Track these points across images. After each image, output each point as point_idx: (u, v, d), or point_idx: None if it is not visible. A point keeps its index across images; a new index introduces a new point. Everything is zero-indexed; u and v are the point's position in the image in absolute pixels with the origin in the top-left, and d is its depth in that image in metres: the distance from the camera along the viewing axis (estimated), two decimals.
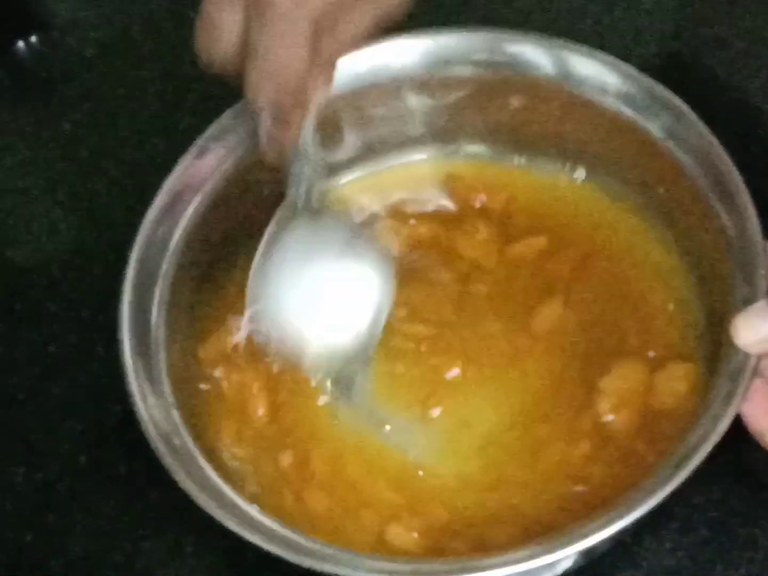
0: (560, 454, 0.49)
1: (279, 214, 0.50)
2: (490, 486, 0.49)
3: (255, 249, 0.55)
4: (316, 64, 0.46)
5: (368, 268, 0.51)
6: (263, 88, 0.46)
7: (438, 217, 0.56)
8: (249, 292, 0.50)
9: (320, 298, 0.50)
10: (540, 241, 0.55)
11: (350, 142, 0.56)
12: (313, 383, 0.51)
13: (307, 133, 0.49)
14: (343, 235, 0.51)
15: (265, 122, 0.47)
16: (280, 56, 0.45)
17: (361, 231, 0.52)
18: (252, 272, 0.50)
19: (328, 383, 0.51)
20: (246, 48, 0.45)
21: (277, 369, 0.52)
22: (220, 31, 0.46)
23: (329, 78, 0.48)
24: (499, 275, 0.54)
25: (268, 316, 0.50)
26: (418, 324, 0.53)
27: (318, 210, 0.50)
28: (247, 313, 0.51)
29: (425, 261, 0.55)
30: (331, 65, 0.48)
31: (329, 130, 0.54)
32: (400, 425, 0.51)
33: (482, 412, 0.51)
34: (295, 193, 0.50)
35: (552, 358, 0.52)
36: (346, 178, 0.58)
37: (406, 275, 0.53)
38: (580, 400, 0.50)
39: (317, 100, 0.48)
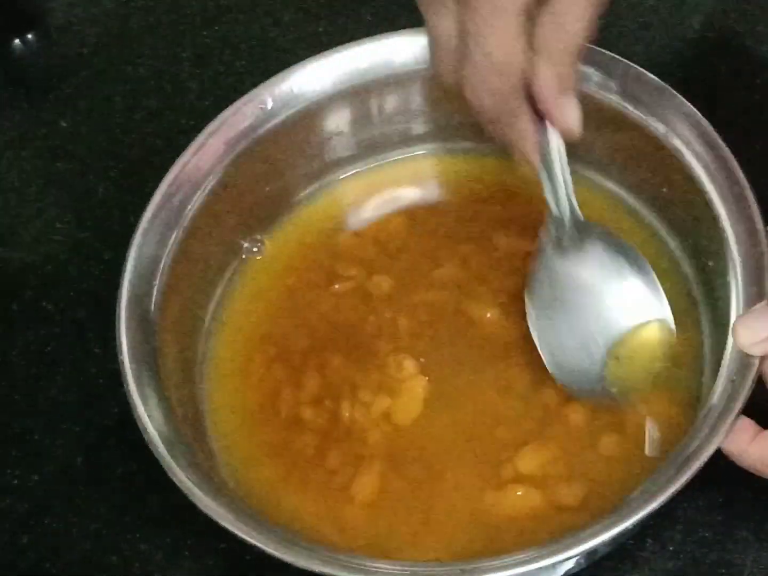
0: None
1: (546, 236, 0.49)
2: None
3: (254, 247, 0.55)
4: (543, 58, 0.42)
5: (641, 287, 0.50)
6: (479, 92, 0.43)
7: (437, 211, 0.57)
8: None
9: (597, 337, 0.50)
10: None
11: (351, 137, 0.56)
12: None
13: (551, 137, 0.46)
14: (610, 256, 0.50)
15: (495, 131, 0.45)
16: (491, 53, 0.41)
17: (621, 243, 0.50)
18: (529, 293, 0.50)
19: None
20: (462, 52, 0.42)
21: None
22: (438, 41, 0.43)
23: (564, 71, 0.43)
24: (497, 273, 0.54)
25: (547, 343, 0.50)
26: None
27: (583, 225, 0.49)
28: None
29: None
30: (563, 56, 0.43)
31: (331, 125, 0.54)
32: None
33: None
34: (556, 210, 0.48)
35: None
36: (346, 172, 0.57)
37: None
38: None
39: (553, 98, 0.44)
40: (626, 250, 0.50)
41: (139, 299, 0.49)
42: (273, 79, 0.53)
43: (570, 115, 0.44)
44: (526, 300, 0.50)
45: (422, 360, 0.52)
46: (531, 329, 0.50)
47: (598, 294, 0.50)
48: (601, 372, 0.49)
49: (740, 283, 0.46)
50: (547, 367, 0.49)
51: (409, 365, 0.51)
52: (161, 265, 0.50)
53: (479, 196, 0.57)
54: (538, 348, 0.49)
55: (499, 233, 0.55)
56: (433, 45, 0.44)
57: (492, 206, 0.56)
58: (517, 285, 0.52)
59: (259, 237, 0.56)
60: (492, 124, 0.44)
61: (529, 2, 0.41)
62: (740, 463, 0.44)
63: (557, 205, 0.48)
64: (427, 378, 0.51)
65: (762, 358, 0.44)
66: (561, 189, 0.47)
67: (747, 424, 0.44)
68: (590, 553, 0.45)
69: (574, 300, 0.50)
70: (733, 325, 0.45)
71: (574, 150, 0.55)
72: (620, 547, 0.50)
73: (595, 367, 0.49)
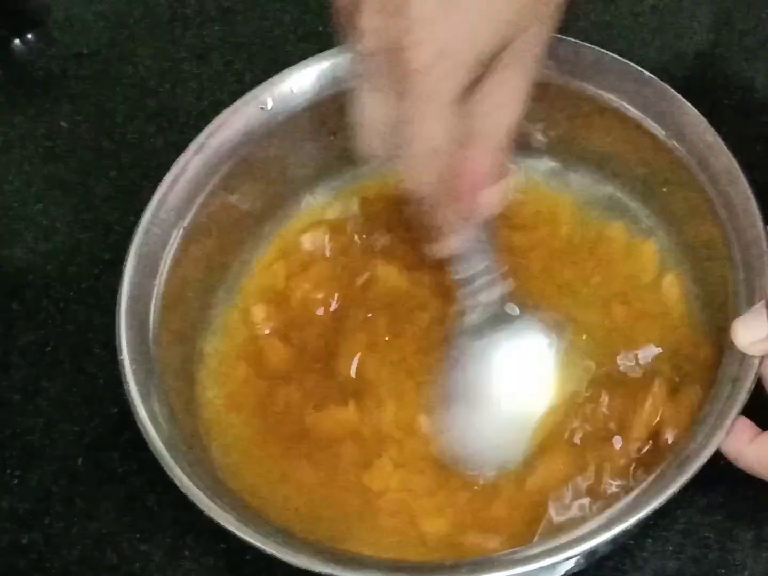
0: None
1: (456, 328, 0.49)
2: None
3: (255, 247, 0.55)
4: (473, 146, 0.42)
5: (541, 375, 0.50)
6: (416, 176, 0.42)
7: None
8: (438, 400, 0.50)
9: (503, 417, 0.50)
10: (538, 237, 0.55)
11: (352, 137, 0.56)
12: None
13: (477, 231, 0.46)
14: (522, 345, 0.50)
15: (430, 216, 0.45)
16: (426, 139, 0.41)
17: (537, 334, 0.50)
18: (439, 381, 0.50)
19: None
20: (395, 137, 0.42)
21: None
22: (370, 123, 0.43)
23: (492, 160, 0.43)
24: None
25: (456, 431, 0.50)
26: None
27: (495, 317, 0.49)
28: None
29: None
30: (493, 146, 0.43)
31: (331, 126, 0.54)
32: None
33: None
34: (471, 303, 0.48)
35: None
36: (347, 172, 0.57)
37: None
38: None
39: (485, 192, 0.44)
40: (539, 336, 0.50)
41: (139, 299, 0.49)
42: (273, 79, 0.53)
43: (490, 206, 0.45)
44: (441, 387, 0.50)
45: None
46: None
47: (514, 379, 0.50)
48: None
49: (740, 283, 0.46)
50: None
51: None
52: (161, 266, 0.50)
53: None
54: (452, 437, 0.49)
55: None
56: (363, 122, 0.43)
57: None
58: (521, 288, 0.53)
59: (260, 237, 0.56)
60: (428, 207, 0.44)
61: (462, 87, 0.41)
62: (738, 464, 0.44)
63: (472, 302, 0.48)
64: None
65: (762, 358, 0.44)
66: (480, 292, 0.48)
67: (746, 425, 0.44)
68: (590, 553, 0.45)
69: (491, 385, 0.50)
70: (733, 325, 0.44)
71: (574, 151, 0.55)
72: (620, 547, 0.50)
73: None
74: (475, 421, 0.50)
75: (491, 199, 0.44)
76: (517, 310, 0.50)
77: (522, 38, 0.42)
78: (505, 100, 0.43)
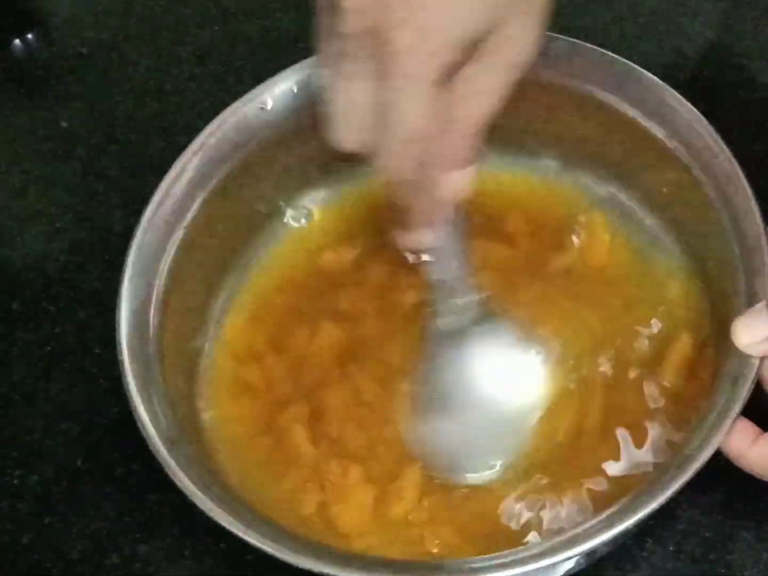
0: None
1: (430, 331, 0.49)
2: None
3: (255, 247, 0.55)
4: (448, 127, 0.42)
5: (524, 385, 0.50)
6: (397, 160, 0.42)
7: None
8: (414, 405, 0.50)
9: (479, 423, 0.49)
10: (536, 240, 0.55)
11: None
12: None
13: (449, 226, 0.45)
14: (495, 351, 0.50)
15: (403, 205, 0.44)
16: (408, 121, 0.41)
17: (512, 341, 0.50)
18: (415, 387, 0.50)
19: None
20: (375, 120, 0.42)
21: None
22: (347, 106, 0.42)
23: (465, 142, 0.43)
24: (498, 273, 0.54)
25: (427, 436, 0.49)
26: None
27: (466, 323, 0.49)
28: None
29: None
30: (467, 128, 0.43)
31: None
32: None
33: None
34: (441, 308, 0.48)
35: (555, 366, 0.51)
36: (347, 173, 0.57)
37: None
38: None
39: (454, 181, 0.44)
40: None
41: (140, 299, 0.48)
42: (273, 79, 0.53)
43: (455, 191, 0.45)
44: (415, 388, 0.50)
45: None
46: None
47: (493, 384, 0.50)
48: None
49: (740, 283, 0.46)
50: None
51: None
52: (161, 266, 0.50)
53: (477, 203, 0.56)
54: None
55: (491, 244, 0.55)
56: (340, 110, 0.43)
57: (483, 215, 0.56)
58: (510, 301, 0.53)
59: (260, 238, 0.56)
60: (405, 191, 0.44)
61: (444, 69, 0.41)
62: (740, 465, 0.44)
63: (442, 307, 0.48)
64: None
65: (762, 359, 0.44)
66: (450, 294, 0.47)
67: (747, 426, 0.44)
68: (590, 553, 0.45)
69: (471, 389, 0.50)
70: (733, 325, 0.44)
71: (574, 151, 0.55)
72: (620, 547, 0.50)
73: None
74: (456, 426, 0.49)
75: (459, 184, 0.45)
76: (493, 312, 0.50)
77: (505, 28, 0.42)
78: (483, 87, 0.43)
